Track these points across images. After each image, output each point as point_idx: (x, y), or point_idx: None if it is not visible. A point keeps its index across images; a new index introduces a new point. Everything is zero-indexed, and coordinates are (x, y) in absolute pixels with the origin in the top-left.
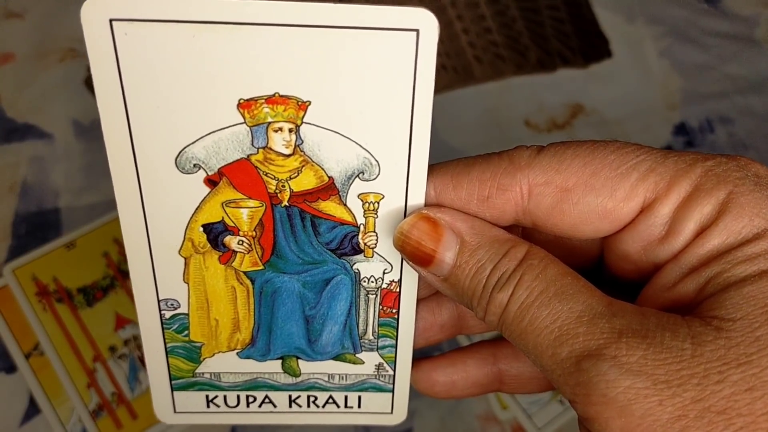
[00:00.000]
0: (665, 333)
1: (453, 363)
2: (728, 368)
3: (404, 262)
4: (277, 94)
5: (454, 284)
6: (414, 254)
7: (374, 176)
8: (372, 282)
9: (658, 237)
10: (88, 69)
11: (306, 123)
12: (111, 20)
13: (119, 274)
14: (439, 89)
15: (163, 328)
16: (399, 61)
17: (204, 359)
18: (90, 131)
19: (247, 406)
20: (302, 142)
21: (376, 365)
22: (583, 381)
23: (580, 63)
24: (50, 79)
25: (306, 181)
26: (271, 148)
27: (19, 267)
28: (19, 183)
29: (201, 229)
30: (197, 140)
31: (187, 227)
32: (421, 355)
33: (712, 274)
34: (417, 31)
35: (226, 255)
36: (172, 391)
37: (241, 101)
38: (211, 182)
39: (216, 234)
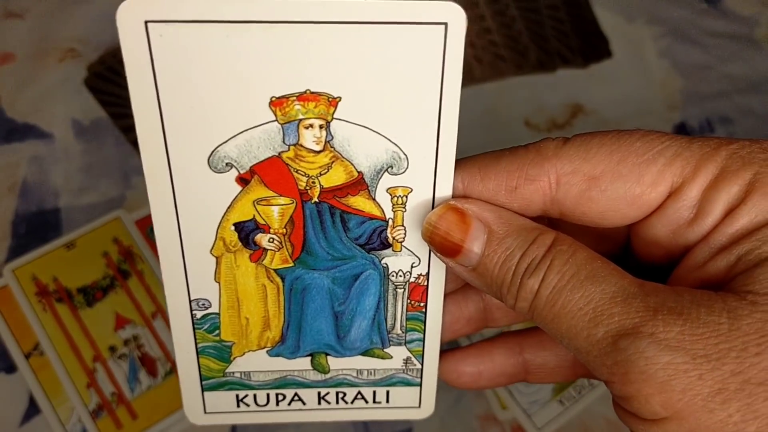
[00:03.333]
0: (701, 309)
1: (479, 354)
2: (766, 340)
3: (432, 255)
4: (308, 91)
5: (483, 274)
6: (442, 245)
7: (403, 170)
8: (400, 276)
9: (687, 220)
10: (88, 69)
11: (336, 119)
12: (146, 22)
13: (119, 274)
14: None
15: (194, 329)
16: (428, 54)
17: (234, 358)
18: (90, 131)
19: (277, 404)
20: (332, 138)
21: (404, 359)
22: (621, 360)
23: (580, 63)
24: (50, 79)
25: (336, 177)
26: (302, 145)
27: (19, 267)
28: (19, 183)
29: (232, 227)
30: (230, 139)
31: (218, 226)
32: (447, 348)
33: (743, 251)
34: (445, 24)
35: (257, 253)
36: (202, 391)
37: (273, 99)
38: (243, 180)
39: (247, 232)
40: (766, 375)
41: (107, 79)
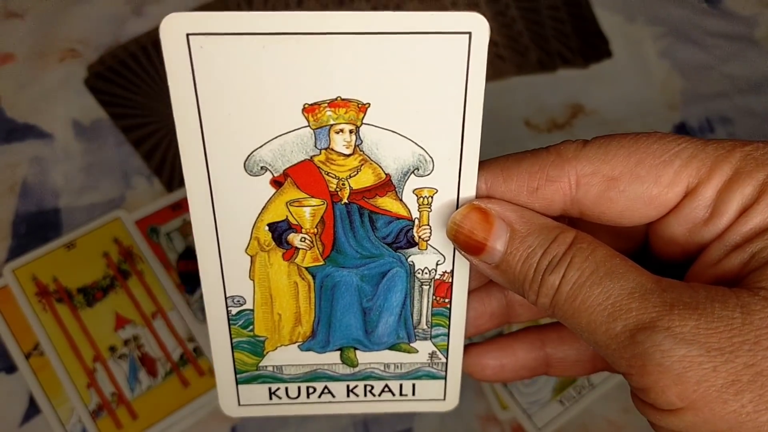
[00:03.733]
0: (715, 304)
1: (502, 348)
2: None
3: (456, 253)
4: (339, 98)
5: (506, 271)
6: (466, 243)
7: (428, 172)
8: (426, 273)
9: (703, 219)
10: (89, 69)
11: (365, 124)
12: (188, 35)
13: (119, 274)
14: None
15: (229, 324)
16: (453, 62)
17: (267, 353)
18: (90, 131)
19: (308, 397)
20: (361, 142)
21: (429, 354)
22: (639, 353)
23: (580, 63)
24: (50, 79)
25: (365, 179)
26: (332, 149)
27: (19, 267)
28: (19, 183)
29: (266, 228)
30: (265, 144)
31: (253, 226)
32: (470, 342)
33: (757, 249)
34: (469, 33)
35: (290, 252)
36: (237, 384)
37: (306, 106)
38: (277, 183)
39: (280, 232)
40: None
41: (107, 80)
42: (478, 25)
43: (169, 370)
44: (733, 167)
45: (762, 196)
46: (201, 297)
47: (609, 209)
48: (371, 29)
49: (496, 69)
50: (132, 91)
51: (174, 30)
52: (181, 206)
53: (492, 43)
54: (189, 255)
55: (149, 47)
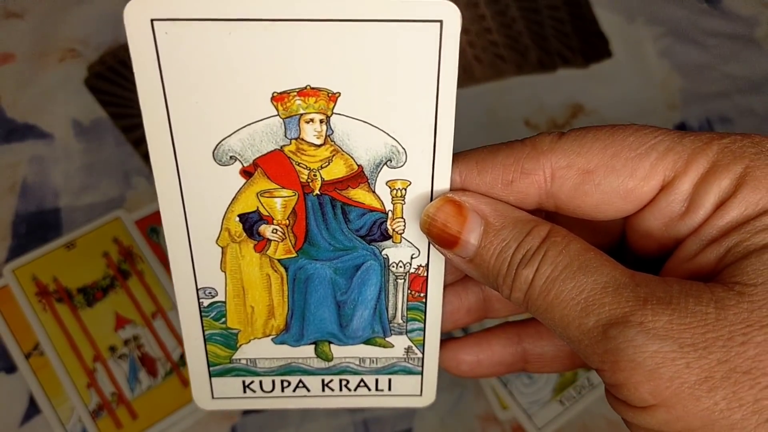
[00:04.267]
0: (689, 299)
1: (479, 343)
2: (752, 330)
3: (431, 246)
4: (308, 87)
5: (480, 264)
6: (440, 237)
7: (401, 163)
8: (400, 267)
9: (679, 213)
10: (89, 69)
11: (336, 114)
12: (152, 20)
13: (119, 274)
14: None
15: (201, 316)
16: (424, 51)
17: (240, 345)
18: (90, 131)
19: (282, 390)
20: (332, 132)
21: (405, 348)
22: (611, 348)
23: (580, 63)
24: (50, 79)
25: (336, 170)
26: (303, 139)
27: (19, 267)
28: (19, 183)
29: (237, 218)
30: (233, 133)
31: (224, 217)
32: (446, 338)
33: (732, 243)
34: (441, 21)
35: (261, 243)
36: (210, 377)
37: (275, 94)
38: (247, 173)
39: (251, 223)
40: (751, 363)
41: (107, 79)
42: (449, 13)
43: (169, 370)
44: (710, 160)
45: (739, 189)
46: None
47: (584, 203)
48: (340, 16)
49: (496, 69)
50: (132, 90)
51: (138, 15)
52: None
53: (492, 43)
54: None
55: None
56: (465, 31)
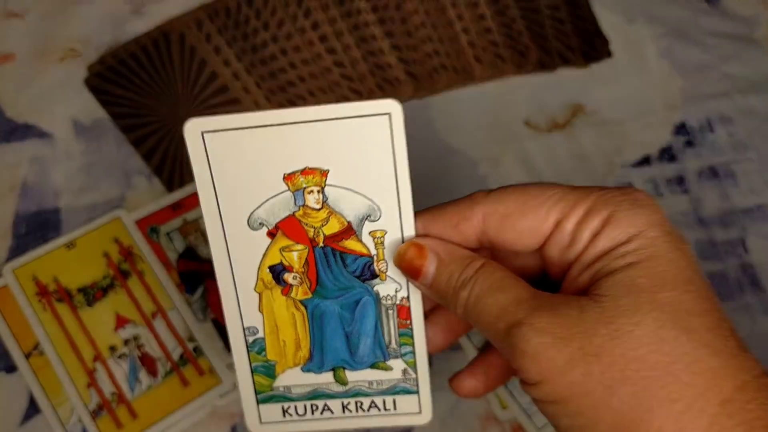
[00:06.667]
0: (563, 306)
1: (474, 374)
2: (599, 325)
3: (414, 289)
4: (307, 168)
5: (436, 289)
6: (408, 269)
7: (378, 217)
8: (389, 299)
9: (567, 245)
10: (89, 69)
11: (328, 185)
12: (203, 132)
13: (119, 274)
14: (439, 89)
15: (248, 351)
16: (381, 135)
17: (278, 375)
18: (90, 131)
19: (312, 413)
20: (327, 198)
21: (402, 370)
22: (512, 343)
23: (580, 63)
24: (50, 79)
25: (333, 227)
26: (307, 206)
27: (19, 267)
28: (20, 183)
29: (267, 270)
30: (260, 205)
31: (258, 269)
32: (455, 373)
33: (599, 267)
34: (389, 114)
35: (286, 288)
36: (257, 404)
37: (285, 175)
38: (271, 234)
39: (278, 272)
40: (599, 349)
41: (108, 79)
42: (394, 107)
43: (169, 370)
44: (588, 206)
45: (605, 227)
46: (201, 297)
47: (505, 239)
48: (323, 117)
49: (496, 69)
50: (132, 90)
51: (194, 130)
52: (181, 206)
53: (492, 43)
54: (189, 255)
55: (149, 47)
56: (465, 31)
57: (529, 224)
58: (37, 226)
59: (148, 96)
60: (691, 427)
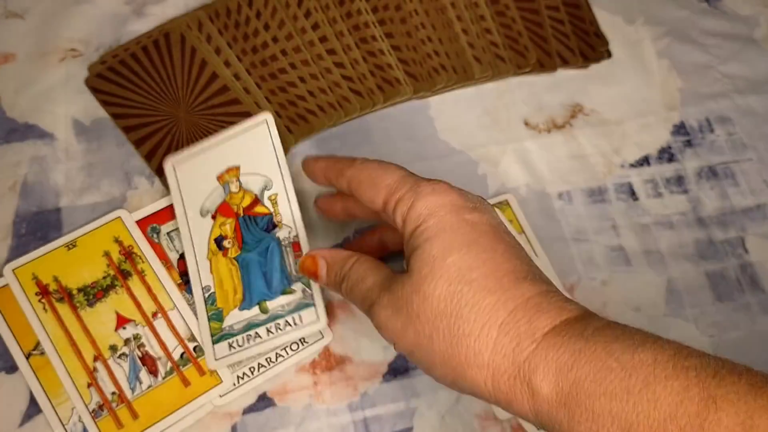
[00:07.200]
0: (396, 285)
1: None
2: (414, 294)
3: (297, 223)
4: (228, 167)
5: (329, 284)
6: (309, 274)
7: (272, 186)
8: (286, 240)
9: (393, 223)
10: (89, 69)
11: (241, 174)
12: (173, 163)
13: (120, 274)
14: (439, 89)
15: (206, 303)
16: (265, 137)
17: (224, 318)
18: (91, 131)
19: (248, 342)
20: (241, 184)
21: (302, 290)
22: (372, 318)
23: (579, 63)
24: (51, 79)
25: (246, 201)
26: (231, 192)
27: (20, 267)
28: (20, 183)
29: (213, 241)
30: (206, 198)
31: (208, 242)
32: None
33: (411, 244)
34: (266, 120)
35: (225, 251)
36: (213, 345)
37: (218, 175)
38: (214, 217)
39: (219, 241)
40: (417, 312)
41: (108, 79)
42: (268, 117)
43: (170, 370)
44: (399, 195)
45: (409, 212)
46: None
47: (360, 198)
48: (231, 135)
49: (496, 69)
50: (133, 91)
51: (169, 162)
52: None
53: (492, 43)
54: None
55: (150, 47)
56: (465, 31)
57: (369, 196)
58: (38, 226)
59: (149, 96)
60: (483, 349)
